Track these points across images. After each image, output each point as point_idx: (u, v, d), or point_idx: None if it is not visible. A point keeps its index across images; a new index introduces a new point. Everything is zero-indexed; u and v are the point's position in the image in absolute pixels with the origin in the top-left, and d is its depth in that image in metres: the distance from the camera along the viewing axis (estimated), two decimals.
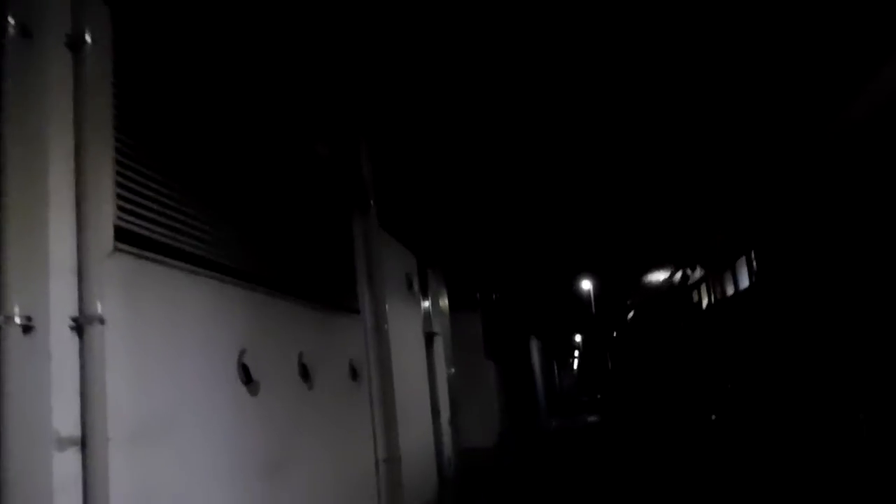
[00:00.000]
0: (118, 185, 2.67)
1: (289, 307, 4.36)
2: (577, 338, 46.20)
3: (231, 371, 3.51)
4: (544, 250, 17.56)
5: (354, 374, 5.44)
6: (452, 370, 11.12)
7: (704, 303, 11.96)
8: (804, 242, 7.55)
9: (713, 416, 10.48)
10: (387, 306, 6.14)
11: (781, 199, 8.01)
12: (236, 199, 3.79)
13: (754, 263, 9.15)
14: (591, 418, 21.42)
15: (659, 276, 16.38)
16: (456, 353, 11.99)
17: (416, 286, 8.36)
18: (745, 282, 9.53)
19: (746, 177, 8.95)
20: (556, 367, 46.21)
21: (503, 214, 12.50)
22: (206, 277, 3.36)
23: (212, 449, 3.19)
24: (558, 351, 44.91)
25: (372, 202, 6.24)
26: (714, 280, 10.92)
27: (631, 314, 20.10)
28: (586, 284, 24.16)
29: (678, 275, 13.82)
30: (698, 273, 12.22)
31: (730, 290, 10.43)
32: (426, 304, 8.97)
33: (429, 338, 8.78)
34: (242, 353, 3.62)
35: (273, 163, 4.46)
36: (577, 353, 56.19)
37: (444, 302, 10.97)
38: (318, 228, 5.12)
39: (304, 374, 4.42)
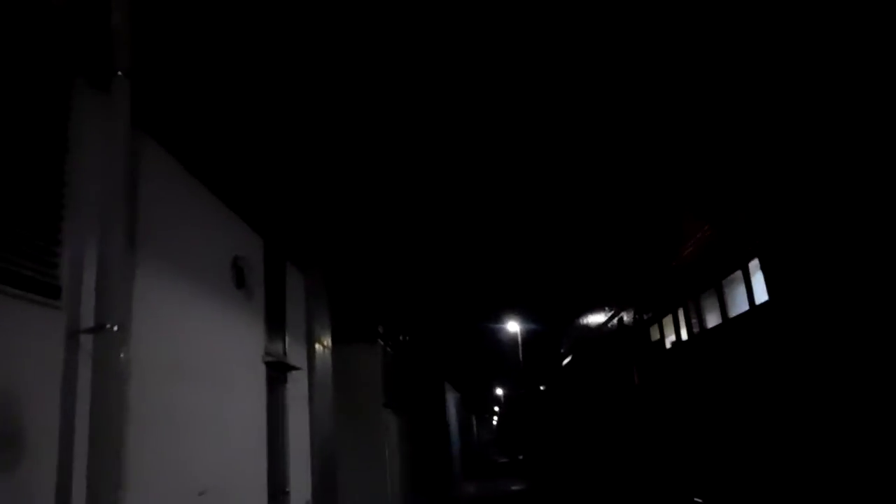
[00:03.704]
0: None
1: None
2: (499, 391, 43.22)
3: None
4: (464, 281, 14.70)
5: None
6: (329, 424, 7.75)
7: (670, 340, 9.30)
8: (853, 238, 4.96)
9: (698, 501, 7.43)
10: (133, 292, 2.88)
11: (815, 172, 5.42)
12: None
13: (751, 279, 6.57)
14: (516, 486, 18.20)
15: (601, 317, 13.70)
16: (341, 399, 8.72)
17: (254, 284, 5.07)
18: (741, 305, 6.90)
19: (746, 152, 6.37)
20: (474, 424, 42.85)
21: (415, 219, 9.59)
22: None
23: None
24: (477, 405, 41.64)
25: (120, 73, 3.03)
26: (689, 307, 8.29)
27: (567, 360, 17.26)
28: (513, 327, 21.35)
29: (628, 312, 11.17)
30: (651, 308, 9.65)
31: (712, 321, 7.80)
32: (278, 320, 5.68)
33: (277, 371, 5.46)
34: None
35: None
36: (497, 408, 52.89)
37: (321, 324, 7.66)
38: None
39: None
